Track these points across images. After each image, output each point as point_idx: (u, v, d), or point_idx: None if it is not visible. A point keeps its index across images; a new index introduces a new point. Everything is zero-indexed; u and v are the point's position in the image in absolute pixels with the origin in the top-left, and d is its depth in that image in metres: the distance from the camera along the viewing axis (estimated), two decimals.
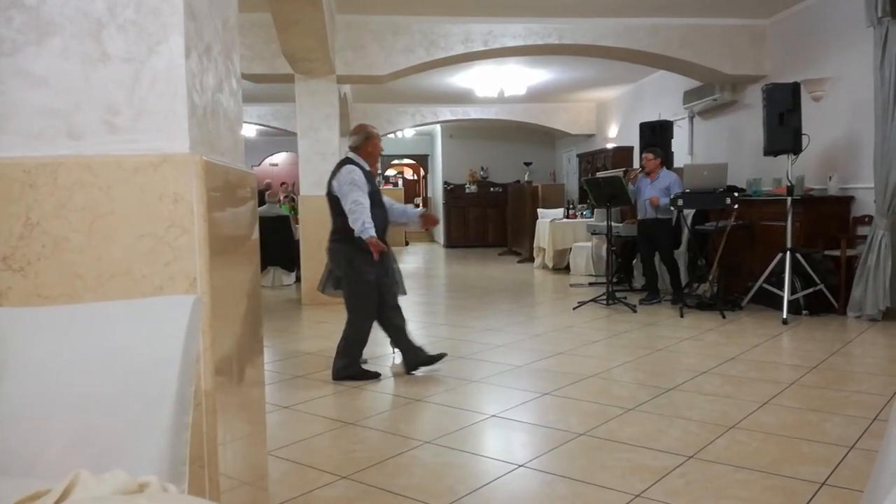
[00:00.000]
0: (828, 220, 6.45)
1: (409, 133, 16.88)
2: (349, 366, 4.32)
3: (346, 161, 4.36)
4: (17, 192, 1.49)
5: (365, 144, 4.41)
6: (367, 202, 4.16)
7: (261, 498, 2.12)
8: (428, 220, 4.81)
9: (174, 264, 1.53)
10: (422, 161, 19.61)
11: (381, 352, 4.98)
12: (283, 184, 13.96)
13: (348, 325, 4.38)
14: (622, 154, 11.51)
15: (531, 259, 11.67)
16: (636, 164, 9.91)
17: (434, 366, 4.47)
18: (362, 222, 4.09)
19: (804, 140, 6.03)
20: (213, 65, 1.73)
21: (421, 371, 4.43)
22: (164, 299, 1.43)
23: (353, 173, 4.23)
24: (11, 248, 1.49)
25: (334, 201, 4.30)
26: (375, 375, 4.35)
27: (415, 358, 4.44)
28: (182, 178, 1.52)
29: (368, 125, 4.61)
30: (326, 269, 4.57)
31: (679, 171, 7.36)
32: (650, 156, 7.26)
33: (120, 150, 1.52)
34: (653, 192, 6.98)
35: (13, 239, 1.49)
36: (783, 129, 6.04)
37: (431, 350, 4.53)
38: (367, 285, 4.28)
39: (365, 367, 4.44)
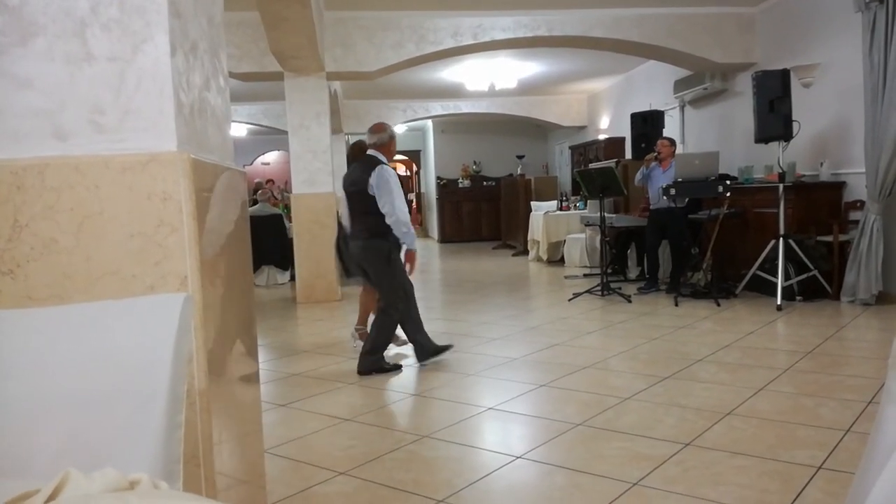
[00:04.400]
0: (820, 206, 6.47)
1: (400, 129, 16.82)
2: (380, 359, 4.39)
3: (378, 160, 4.37)
4: (4, 194, 1.48)
5: (389, 143, 4.48)
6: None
7: (258, 496, 2.12)
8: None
9: (164, 263, 1.52)
10: (414, 157, 19.60)
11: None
12: (269, 181, 13.71)
13: (386, 319, 4.41)
14: (614, 145, 11.52)
15: (525, 252, 11.69)
16: (628, 155, 9.92)
17: (443, 356, 4.57)
18: (413, 235, 4.36)
19: (795, 127, 6.04)
20: (199, 63, 1.72)
21: (431, 361, 4.53)
22: (154, 298, 1.42)
23: (393, 175, 4.31)
24: (0, 250, 1.48)
25: (367, 198, 4.30)
26: (398, 368, 4.44)
27: (426, 348, 4.53)
28: (170, 177, 1.51)
29: (388, 124, 4.63)
30: (343, 263, 4.67)
31: None
32: (666, 142, 7.25)
33: (107, 150, 1.51)
34: (666, 181, 6.89)
35: (1, 241, 1.48)
36: (774, 116, 6.05)
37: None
38: (403, 277, 4.43)
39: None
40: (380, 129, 4.51)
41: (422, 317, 4.55)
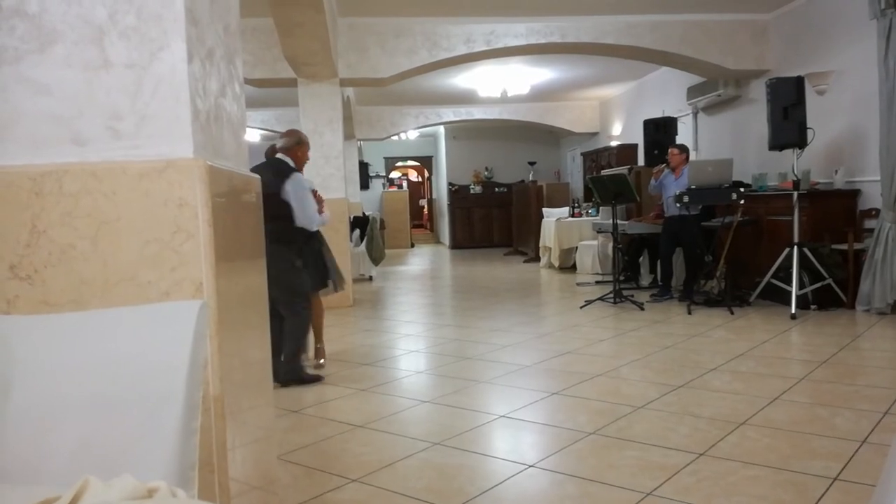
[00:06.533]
0: (834, 214, 6.42)
1: (412, 135, 16.88)
2: (300, 368, 4.37)
3: (288, 165, 4.39)
4: (23, 200, 1.49)
5: (296, 148, 4.49)
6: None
7: (271, 502, 2.12)
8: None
9: (180, 269, 1.53)
10: (426, 163, 19.63)
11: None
12: None
13: (296, 321, 4.36)
14: (626, 152, 11.49)
15: (537, 259, 11.66)
16: (641, 162, 9.90)
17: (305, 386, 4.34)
18: (320, 219, 4.45)
19: (809, 134, 6.00)
20: (215, 69, 1.73)
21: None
22: (170, 305, 1.43)
23: (306, 182, 4.38)
24: (18, 256, 1.50)
25: (279, 203, 4.25)
26: (319, 378, 4.39)
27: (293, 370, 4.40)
28: (186, 184, 1.52)
29: (300, 132, 4.67)
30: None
31: None
32: (676, 151, 7.22)
33: (124, 156, 1.53)
34: (678, 188, 6.85)
35: (20, 247, 1.49)
36: (788, 124, 6.01)
37: (434, 352, 4.53)
38: (306, 283, 4.45)
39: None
40: (288, 134, 4.60)
41: (433, 323, 4.53)
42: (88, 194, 1.50)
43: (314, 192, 4.47)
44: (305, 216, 4.34)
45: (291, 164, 4.40)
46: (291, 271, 4.34)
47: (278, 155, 4.45)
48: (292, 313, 4.35)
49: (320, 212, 4.52)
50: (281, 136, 4.59)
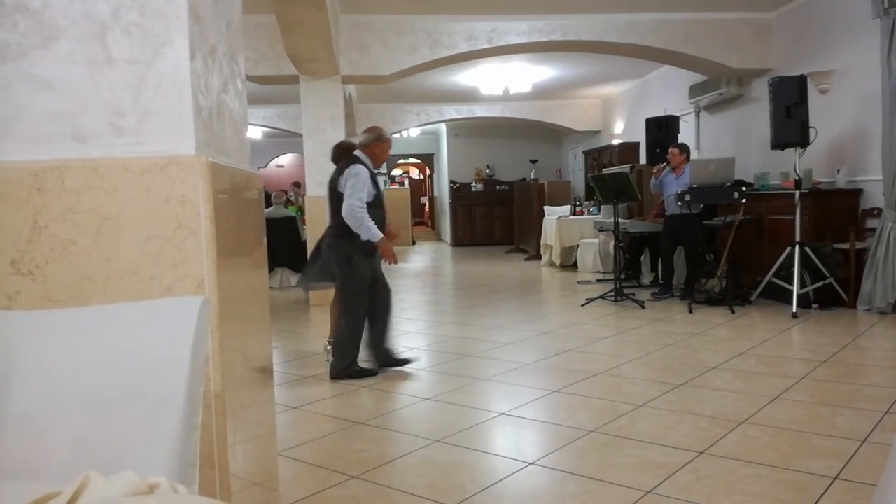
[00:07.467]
0: (836, 213, 6.41)
1: (414, 132, 16.86)
2: (349, 365, 4.34)
3: (355, 159, 4.36)
4: (24, 196, 1.49)
5: (373, 145, 4.44)
6: (364, 204, 4.24)
7: (272, 498, 2.12)
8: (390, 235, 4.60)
9: (182, 266, 1.53)
10: (427, 160, 19.61)
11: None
12: (295, 184, 13.61)
13: (348, 321, 4.37)
14: (628, 150, 11.48)
15: (538, 257, 11.66)
16: (643, 160, 9.89)
17: (401, 368, 4.47)
18: (368, 228, 4.23)
19: (811, 133, 6.00)
20: (217, 66, 1.73)
21: (391, 370, 4.45)
22: (172, 301, 1.43)
23: (360, 173, 4.26)
24: (20, 251, 1.50)
25: (338, 197, 4.30)
26: (373, 373, 4.38)
27: (385, 358, 4.49)
28: (188, 180, 1.52)
29: (383, 129, 4.64)
30: (311, 263, 4.71)
31: None
32: (676, 151, 7.22)
33: (126, 153, 1.53)
34: (679, 188, 6.84)
35: (21, 243, 1.50)
36: (790, 123, 6.01)
37: (443, 349, 4.53)
38: (362, 282, 4.35)
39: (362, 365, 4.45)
40: (370, 130, 4.57)
41: (434, 321, 4.52)
42: (90, 190, 1.51)
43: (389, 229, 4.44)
44: (345, 208, 4.21)
45: (364, 159, 4.37)
46: (345, 267, 4.32)
47: (356, 151, 4.44)
48: (346, 309, 4.38)
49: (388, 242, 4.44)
50: (361, 133, 4.56)
